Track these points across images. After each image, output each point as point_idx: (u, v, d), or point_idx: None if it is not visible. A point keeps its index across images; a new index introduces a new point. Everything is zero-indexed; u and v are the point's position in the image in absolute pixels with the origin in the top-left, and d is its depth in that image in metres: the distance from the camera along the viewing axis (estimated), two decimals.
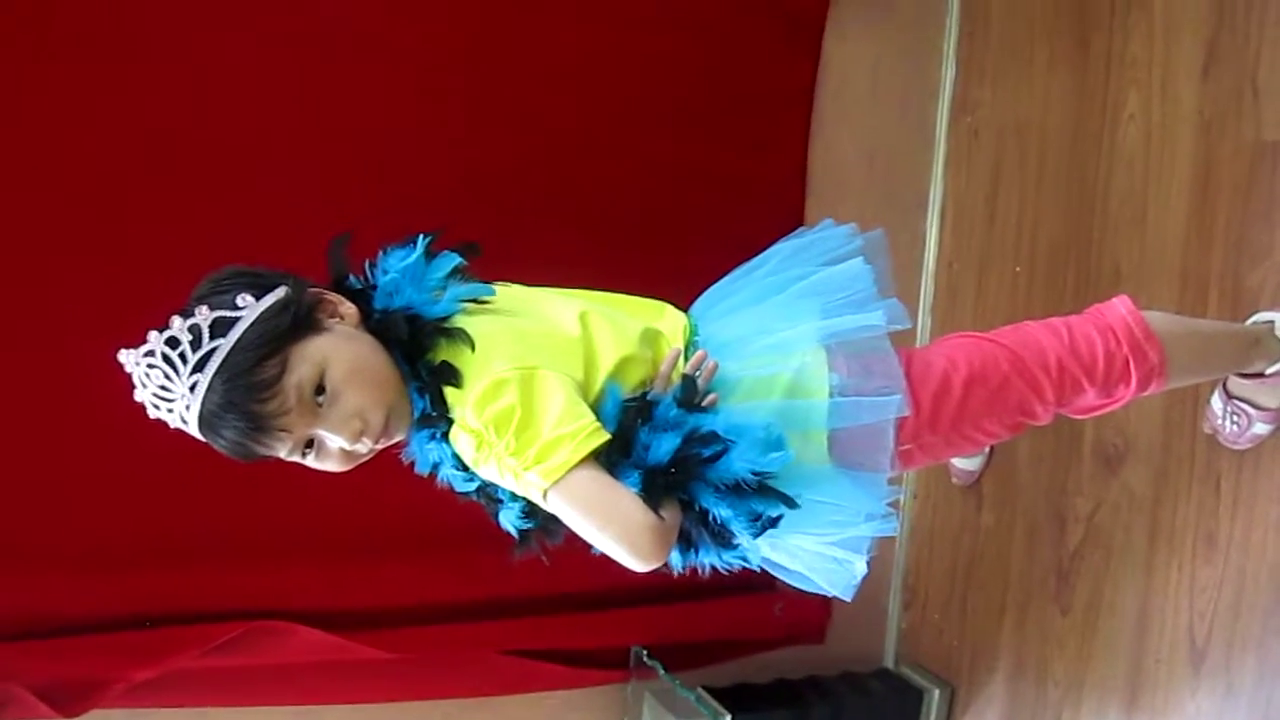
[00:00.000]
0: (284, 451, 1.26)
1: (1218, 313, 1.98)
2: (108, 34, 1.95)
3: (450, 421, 1.29)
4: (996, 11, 2.55)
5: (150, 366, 1.21)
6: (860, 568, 1.44)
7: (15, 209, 1.93)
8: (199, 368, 1.19)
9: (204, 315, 1.21)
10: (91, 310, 1.92)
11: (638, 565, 1.23)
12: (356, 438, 1.26)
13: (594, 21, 2.26)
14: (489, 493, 1.38)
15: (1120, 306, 1.63)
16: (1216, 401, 1.92)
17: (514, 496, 1.33)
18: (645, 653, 2.45)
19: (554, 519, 1.28)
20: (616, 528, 1.22)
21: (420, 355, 1.30)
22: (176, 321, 1.21)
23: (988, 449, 2.41)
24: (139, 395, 1.24)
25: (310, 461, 1.29)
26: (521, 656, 2.37)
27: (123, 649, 2.03)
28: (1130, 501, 2.14)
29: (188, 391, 1.20)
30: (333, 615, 2.18)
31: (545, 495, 1.22)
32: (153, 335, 1.21)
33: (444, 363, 1.29)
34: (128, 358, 1.23)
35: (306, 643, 2.14)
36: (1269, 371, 1.81)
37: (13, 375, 1.95)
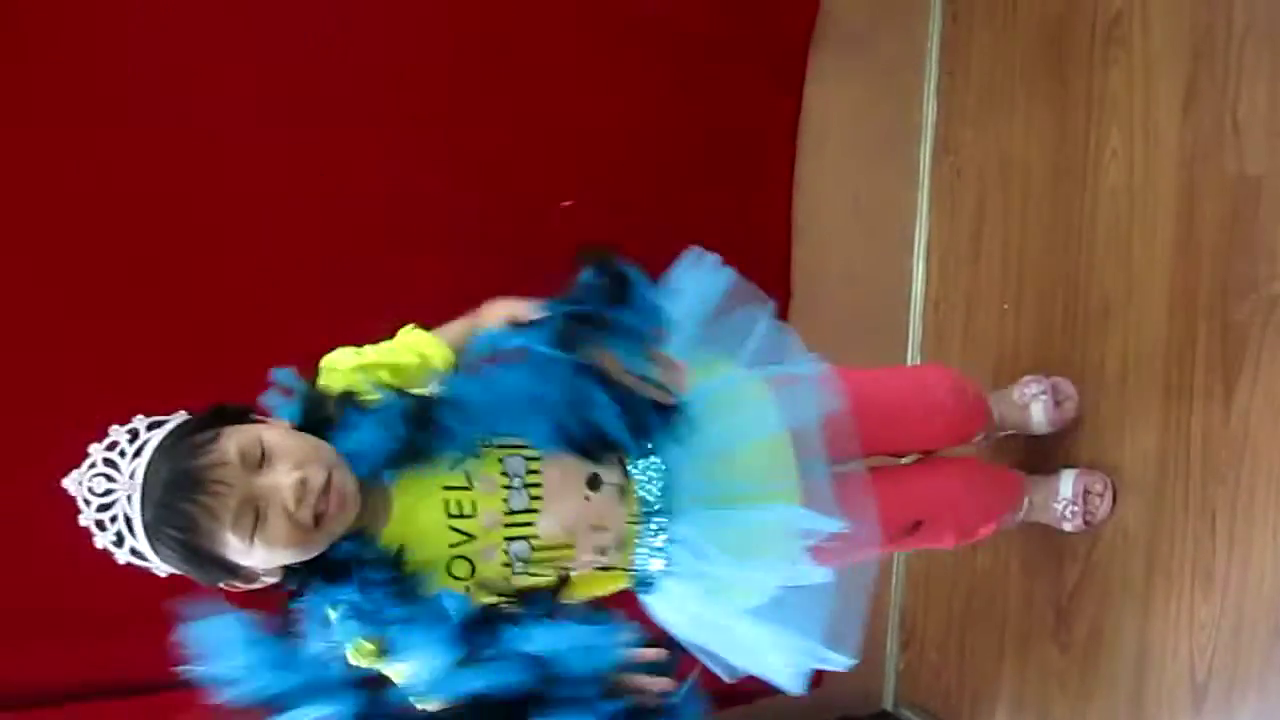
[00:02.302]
0: (228, 521, 1.18)
1: (1207, 346, 1.98)
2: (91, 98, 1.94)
3: None
4: (977, 52, 2.56)
5: (94, 475, 1.21)
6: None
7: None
8: (138, 454, 1.20)
9: (139, 419, 1.24)
10: (88, 364, 1.92)
11: None
12: (299, 493, 1.21)
13: (574, 73, 2.27)
14: None
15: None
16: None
17: None
18: None
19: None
20: None
21: None
22: (114, 428, 1.24)
23: None
24: (83, 518, 1.22)
25: (258, 547, 1.21)
26: None
27: (118, 717, 2.00)
28: (1126, 539, 2.13)
29: (129, 480, 1.19)
30: None
31: None
32: (93, 447, 1.23)
33: None
34: (71, 480, 1.23)
35: None
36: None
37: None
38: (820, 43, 2.52)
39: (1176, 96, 2.07)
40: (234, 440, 1.21)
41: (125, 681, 2.04)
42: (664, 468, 1.44)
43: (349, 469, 1.28)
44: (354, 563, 1.27)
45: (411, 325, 1.47)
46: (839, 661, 1.52)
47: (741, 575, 1.45)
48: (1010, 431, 2.22)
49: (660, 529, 1.44)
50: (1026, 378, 2.22)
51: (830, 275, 2.58)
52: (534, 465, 1.38)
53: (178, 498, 1.17)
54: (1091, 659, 2.22)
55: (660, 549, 1.45)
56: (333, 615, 1.27)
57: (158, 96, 1.97)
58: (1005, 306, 2.44)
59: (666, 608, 1.52)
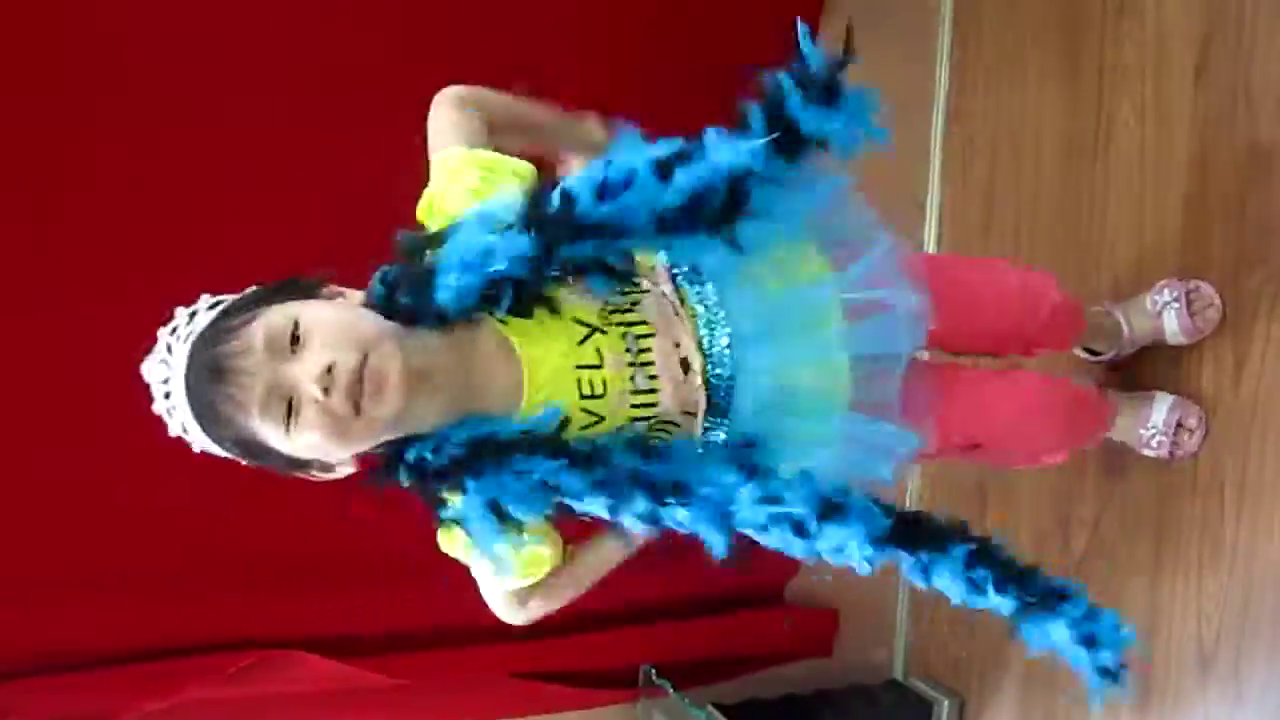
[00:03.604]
0: (256, 412, 1.11)
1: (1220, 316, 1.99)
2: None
3: None
4: (989, 21, 2.55)
5: (157, 362, 1.17)
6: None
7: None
8: (186, 339, 1.15)
9: (204, 299, 1.20)
10: (103, 336, 1.92)
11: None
12: (324, 381, 1.10)
13: (580, 55, 2.25)
14: None
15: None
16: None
17: None
18: (654, 671, 2.45)
19: None
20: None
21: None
22: (179, 309, 1.19)
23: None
24: (156, 407, 1.18)
25: (297, 439, 1.13)
26: (530, 679, 2.36)
27: (133, 681, 2.03)
28: (1135, 508, 2.14)
29: (178, 365, 1.14)
30: (341, 642, 2.18)
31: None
32: (161, 330, 1.18)
33: None
34: (145, 366, 1.19)
35: (316, 671, 2.14)
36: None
37: (18, 407, 1.94)
38: (832, 13, 2.51)
39: (1189, 66, 2.06)
40: (264, 323, 1.12)
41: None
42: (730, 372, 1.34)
43: (401, 347, 1.16)
44: (516, 443, 1.19)
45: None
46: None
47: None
48: (1142, 346, 2.08)
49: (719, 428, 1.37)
50: (1160, 283, 2.04)
51: None
52: (645, 344, 1.29)
53: (206, 390, 1.12)
54: None
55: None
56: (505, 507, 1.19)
57: None
58: None
59: None
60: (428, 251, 1.23)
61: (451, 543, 1.31)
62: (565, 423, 1.23)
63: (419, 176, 1.36)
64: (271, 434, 1.13)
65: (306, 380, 1.11)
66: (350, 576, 2.18)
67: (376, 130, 2.08)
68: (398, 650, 2.23)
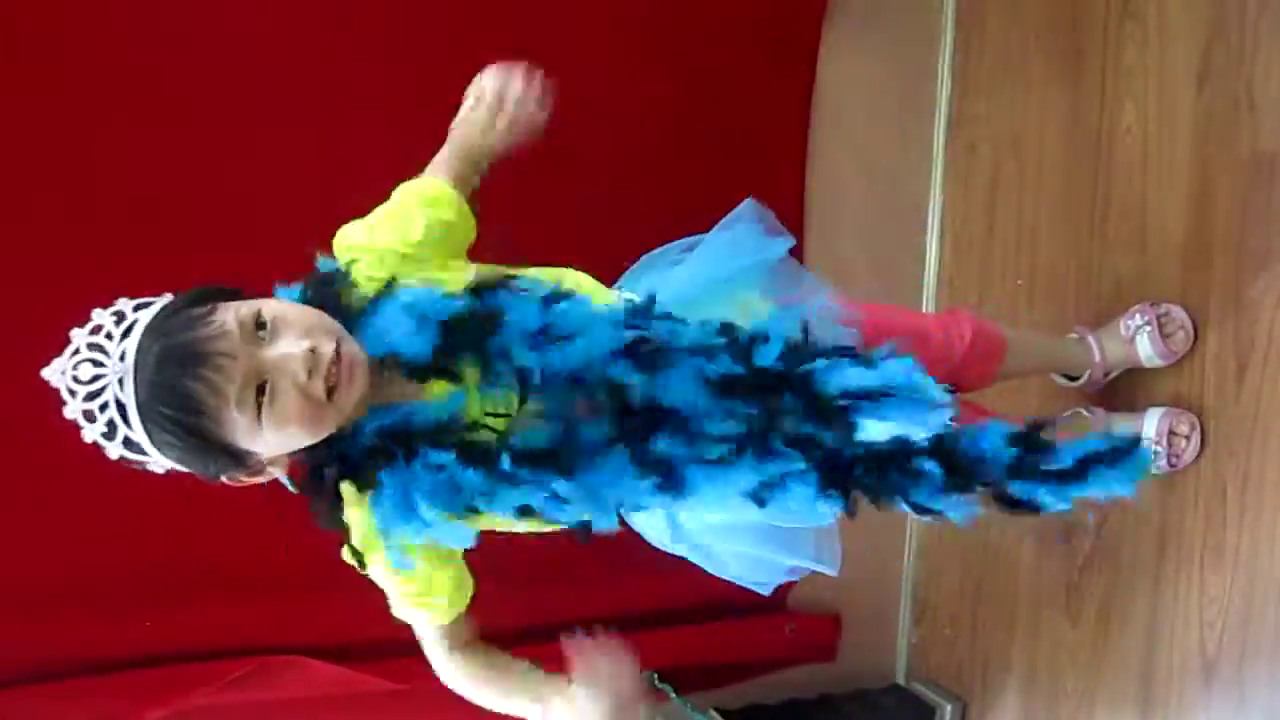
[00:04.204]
0: (233, 396, 1.09)
1: (1219, 322, 1.98)
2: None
3: None
4: (991, 26, 2.55)
5: (79, 362, 1.10)
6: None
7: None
8: (126, 334, 1.09)
9: (122, 301, 1.15)
10: None
11: None
12: (310, 363, 1.11)
13: (586, 49, 2.25)
14: None
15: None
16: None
17: None
18: (656, 676, 2.44)
19: None
20: None
21: None
22: (96, 312, 1.14)
23: None
24: (69, 410, 1.11)
25: (267, 427, 1.12)
26: None
27: (134, 688, 2.02)
28: (1137, 513, 2.14)
29: (119, 362, 1.08)
30: (342, 647, 2.18)
31: None
32: (75, 333, 1.13)
33: None
34: (52, 371, 1.12)
35: (317, 677, 2.13)
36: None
37: (13, 414, 1.94)
38: (834, 17, 2.51)
39: (1191, 71, 2.06)
40: (233, 312, 1.11)
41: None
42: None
43: (354, 341, 1.18)
44: (411, 435, 1.20)
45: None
46: (824, 568, 1.52)
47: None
48: (1118, 372, 2.13)
49: None
50: (1132, 308, 2.09)
51: (843, 250, 2.58)
52: None
53: (176, 375, 1.07)
54: (1102, 633, 2.23)
55: None
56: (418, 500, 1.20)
57: None
58: (1019, 282, 2.44)
59: (648, 523, 1.49)
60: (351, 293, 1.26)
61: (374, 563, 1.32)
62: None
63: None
64: (240, 423, 1.11)
65: (291, 361, 1.11)
66: (351, 581, 2.17)
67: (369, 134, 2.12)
68: (399, 655, 2.21)
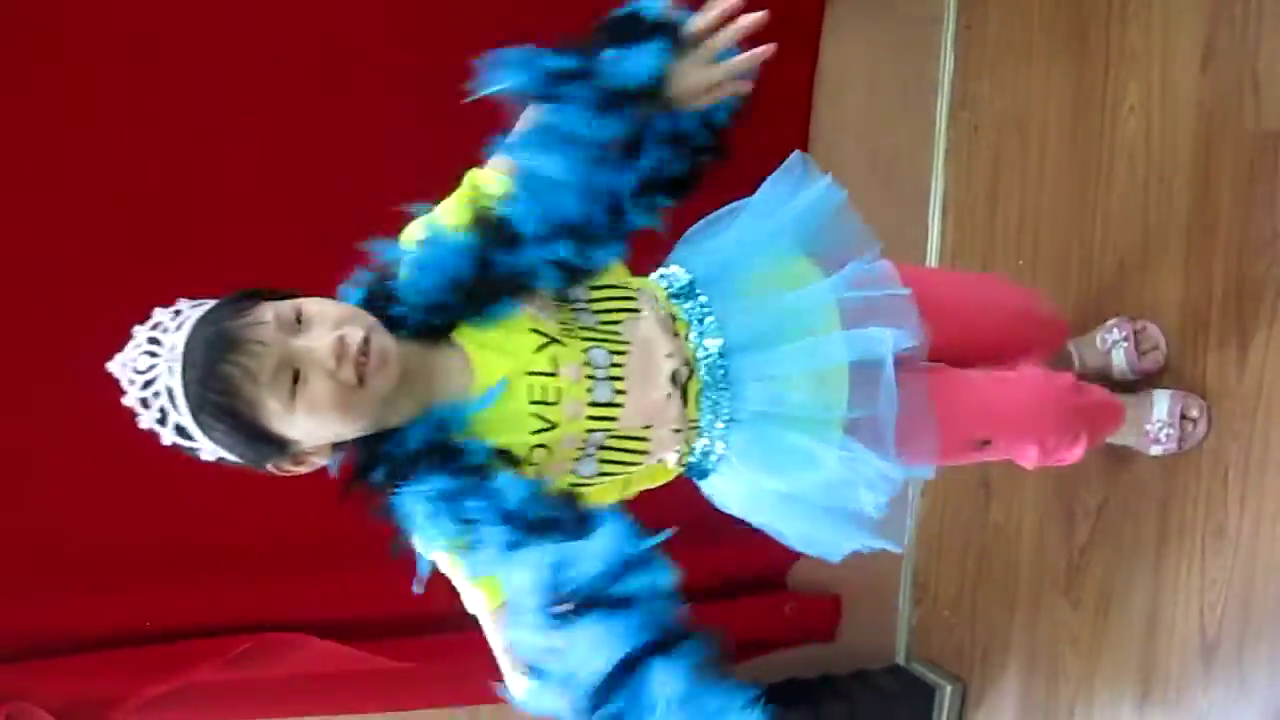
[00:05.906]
0: (266, 380, 1.17)
1: (1222, 302, 1.98)
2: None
3: None
4: (993, 6, 2.54)
5: (138, 354, 1.20)
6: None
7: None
8: (179, 327, 1.19)
9: (182, 301, 1.23)
10: (98, 321, 1.92)
11: None
12: (338, 350, 1.18)
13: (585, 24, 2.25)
14: None
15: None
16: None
17: None
18: None
19: None
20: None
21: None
22: (157, 310, 1.23)
23: None
24: (128, 399, 1.20)
25: (300, 412, 1.19)
26: None
27: (137, 664, 2.03)
28: (1139, 495, 2.14)
29: (170, 352, 1.18)
30: (345, 625, 2.18)
31: None
32: (137, 328, 1.22)
33: None
34: (115, 363, 1.22)
35: (320, 654, 2.14)
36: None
37: (17, 391, 1.95)
38: (835, 3, 2.51)
39: (1195, 52, 2.06)
40: (271, 307, 1.20)
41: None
42: (726, 384, 1.43)
43: (388, 333, 1.25)
44: (439, 449, 1.26)
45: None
46: (890, 546, 1.52)
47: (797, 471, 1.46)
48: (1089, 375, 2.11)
49: (723, 422, 1.43)
50: (1110, 321, 2.14)
51: None
52: (618, 359, 1.36)
53: (215, 359, 1.15)
54: (1102, 615, 2.23)
55: (721, 445, 1.45)
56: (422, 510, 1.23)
57: None
58: (1020, 262, 2.43)
59: (724, 489, 1.52)
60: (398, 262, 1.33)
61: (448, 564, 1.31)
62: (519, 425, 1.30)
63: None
64: (274, 408, 1.18)
65: (319, 349, 1.19)
66: (354, 559, 2.16)
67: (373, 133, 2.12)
68: (402, 633, 2.23)
